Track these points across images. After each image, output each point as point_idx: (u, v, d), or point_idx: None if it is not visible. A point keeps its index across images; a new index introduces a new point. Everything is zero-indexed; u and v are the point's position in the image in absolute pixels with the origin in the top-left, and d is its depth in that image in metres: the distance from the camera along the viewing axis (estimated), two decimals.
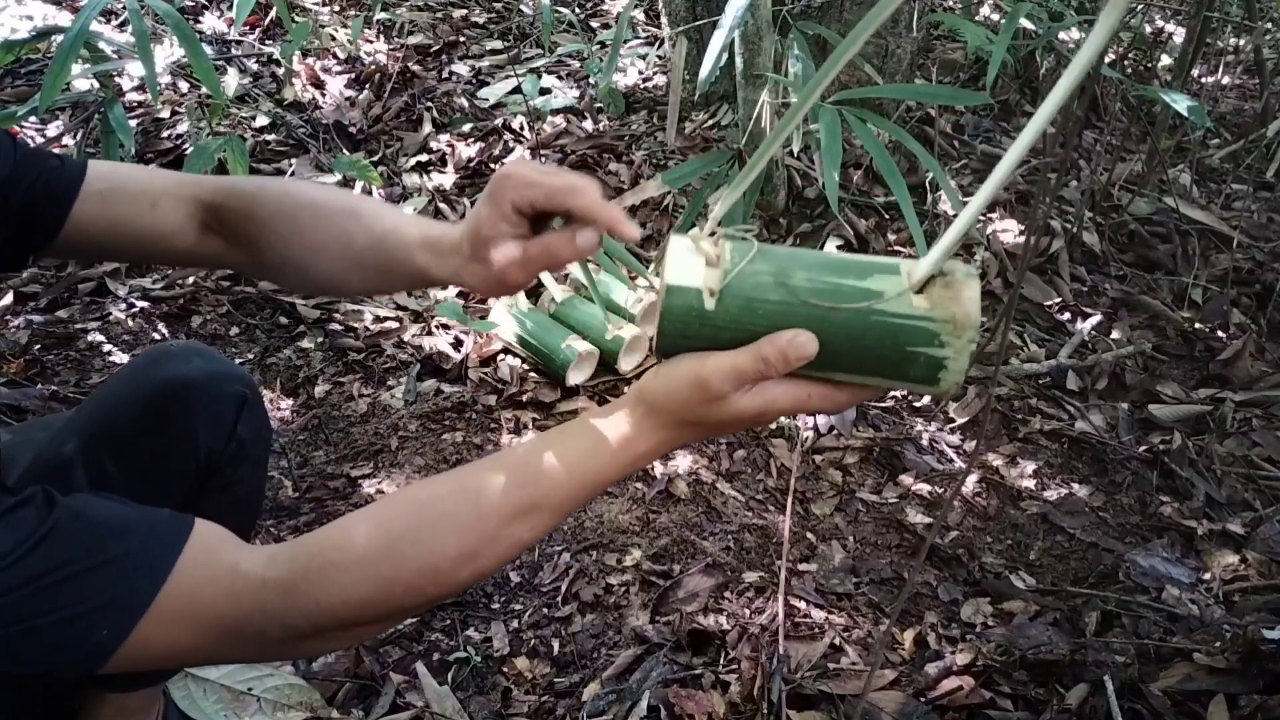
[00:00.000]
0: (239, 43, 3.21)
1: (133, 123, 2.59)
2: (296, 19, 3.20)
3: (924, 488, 1.85)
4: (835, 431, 1.96)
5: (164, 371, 0.99)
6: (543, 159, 2.76)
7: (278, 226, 0.81)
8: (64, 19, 3.06)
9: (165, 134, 2.71)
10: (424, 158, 2.80)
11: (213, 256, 0.86)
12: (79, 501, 0.64)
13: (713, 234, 0.65)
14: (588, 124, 2.98)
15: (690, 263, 0.64)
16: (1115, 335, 2.32)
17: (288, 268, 0.84)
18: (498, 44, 3.48)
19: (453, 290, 2.31)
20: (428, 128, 2.90)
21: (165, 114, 2.77)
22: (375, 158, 2.78)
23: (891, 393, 2.07)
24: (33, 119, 2.58)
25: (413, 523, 0.66)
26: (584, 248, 0.70)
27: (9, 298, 2.14)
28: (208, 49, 2.71)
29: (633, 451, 0.67)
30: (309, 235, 0.80)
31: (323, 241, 0.80)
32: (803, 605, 1.55)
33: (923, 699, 1.38)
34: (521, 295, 2.11)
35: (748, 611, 1.54)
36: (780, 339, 0.62)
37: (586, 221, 0.69)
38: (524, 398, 1.98)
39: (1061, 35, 3.20)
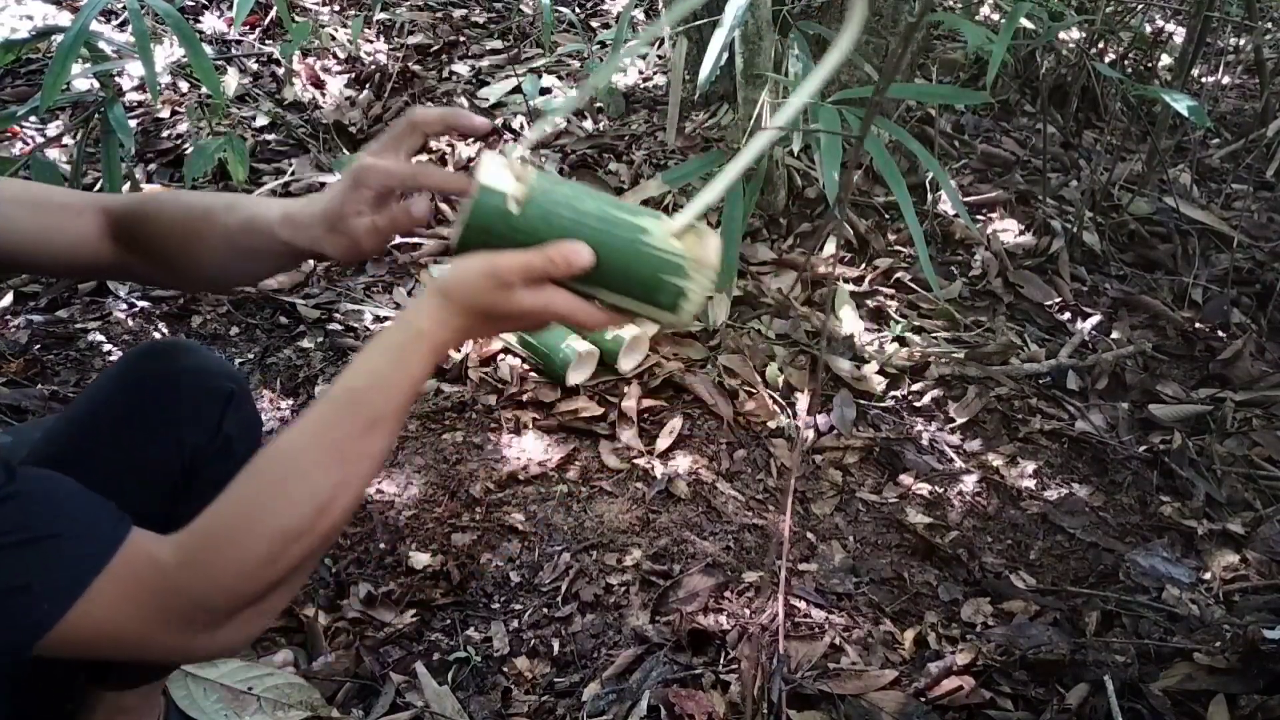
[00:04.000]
0: (239, 43, 3.21)
1: (133, 123, 2.59)
2: (296, 19, 3.20)
3: (924, 488, 1.85)
4: (835, 431, 1.96)
5: (149, 368, 0.99)
6: (542, 159, 2.76)
7: (174, 230, 0.89)
8: (64, 19, 3.06)
9: (165, 134, 2.71)
10: (424, 157, 2.80)
11: (122, 266, 0.93)
12: (36, 475, 0.68)
13: (522, 160, 0.77)
14: (588, 124, 2.98)
15: (502, 174, 0.76)
16: (1115, 335, 2.32)
17: (182, 268, 0.91)
18: (498, 44, 3.49)
19: None
20: None
21: (165, 114, 2.77)
22: None
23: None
24: (33, 119, 2.58)
25: (280, 472, 0.72)
26: (418, 216, 0.86)
27: (9, 298, 2.14)
28: (208, 49, 2.71)
29: (434, 342, 0.75)
30: (198, 235, 0.88)
31: (209, 238, 0.88)
32: (803, 605, 1.55)
33: (923, 699, 1.38)
34: None
35: (748, 611, 1.54)
36: (565, 244, 0.74)
37: (439, 190, 0.86)
38: (524, 398, 1.98)
39: (1061, 35, 3.20)
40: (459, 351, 2.11)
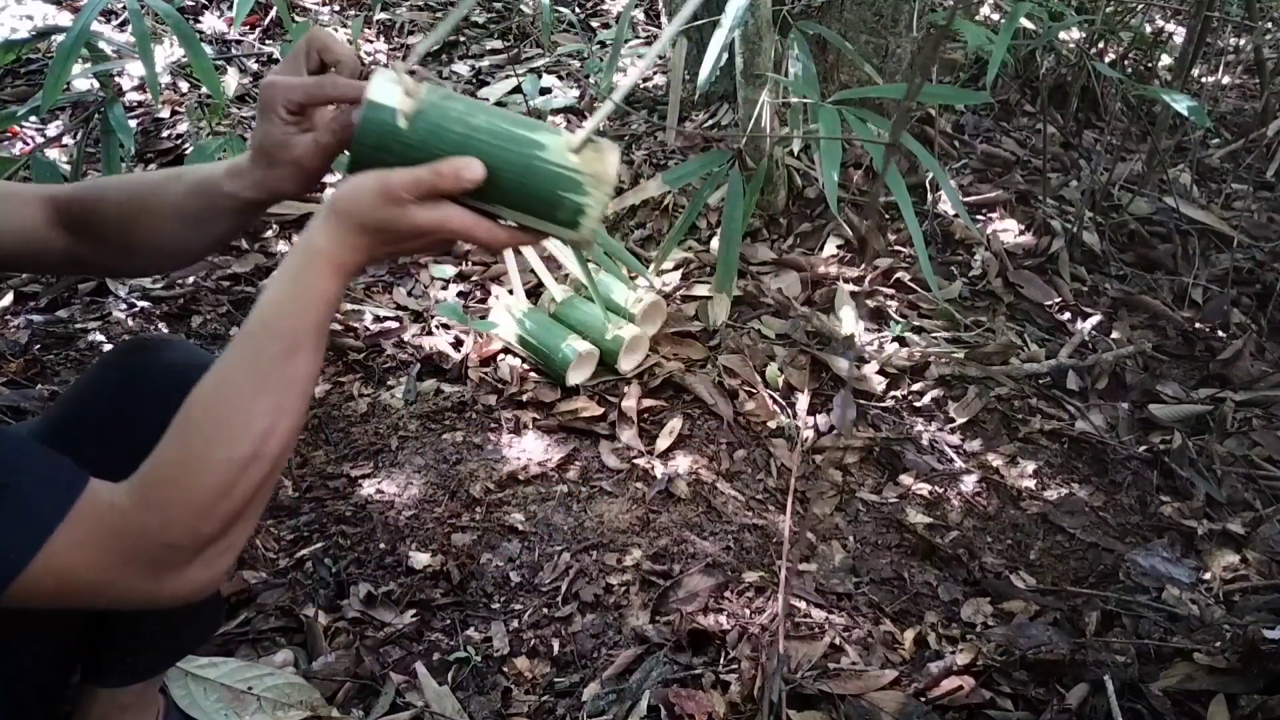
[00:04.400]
0: (239, 43, 3.21)
1: (133, 123, 2.59)
2: (296, 19, 3.20)
3: (924, 488, 1.85)
4: (835, 431, 1.96)
5: (136, 362, 1.00)
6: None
7: (122, 209, 0.90)
8: (64, 19, 3.06)
9: (165, 134, 2.71)
10: None
11: (75, 255, 0.93)
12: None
13: (414, 74, 0.77)
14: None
15: (391, 89, 0.76)
16: (1115, 335, 2.32)
17: (136, 248, 0.92)
18: (498, 44, 3.49)
19: (452, 290, 2.31)
20: None
21: (165, 114, 2.77)
22: None
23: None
24: (33, 119, 2.58)
25: (213, 406, 0.73)
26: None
27: (9, 298, 2.14)
28: (208, 49, 2.71)
29: (334, 261, 0.75)
30: (147, 210, 0.89)
31: (158, 211, 0.89)
32: (803, 605, 1.55)
33: (923, 699, 1.38)
34: (521, 295, 2.11)
35: (748, 611, 1.54)
36: (456, 159, 0.74)
37: (350, 102, 0.83)
38: (524, 397, 1.98)
39: (1061, 35, 3.20)
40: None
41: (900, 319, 2.28)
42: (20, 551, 0.68)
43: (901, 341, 2.21)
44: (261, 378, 0.73)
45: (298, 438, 0.79)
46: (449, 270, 2.35)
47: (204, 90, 2.74)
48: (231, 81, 2.88)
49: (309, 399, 0.77)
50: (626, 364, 2.05)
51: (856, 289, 2.35)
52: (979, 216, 2.69)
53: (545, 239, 0.82)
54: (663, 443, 1.88)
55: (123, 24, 3.09)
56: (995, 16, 3.44)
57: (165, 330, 2.12)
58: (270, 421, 0.73)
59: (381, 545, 1.62)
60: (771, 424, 1.96)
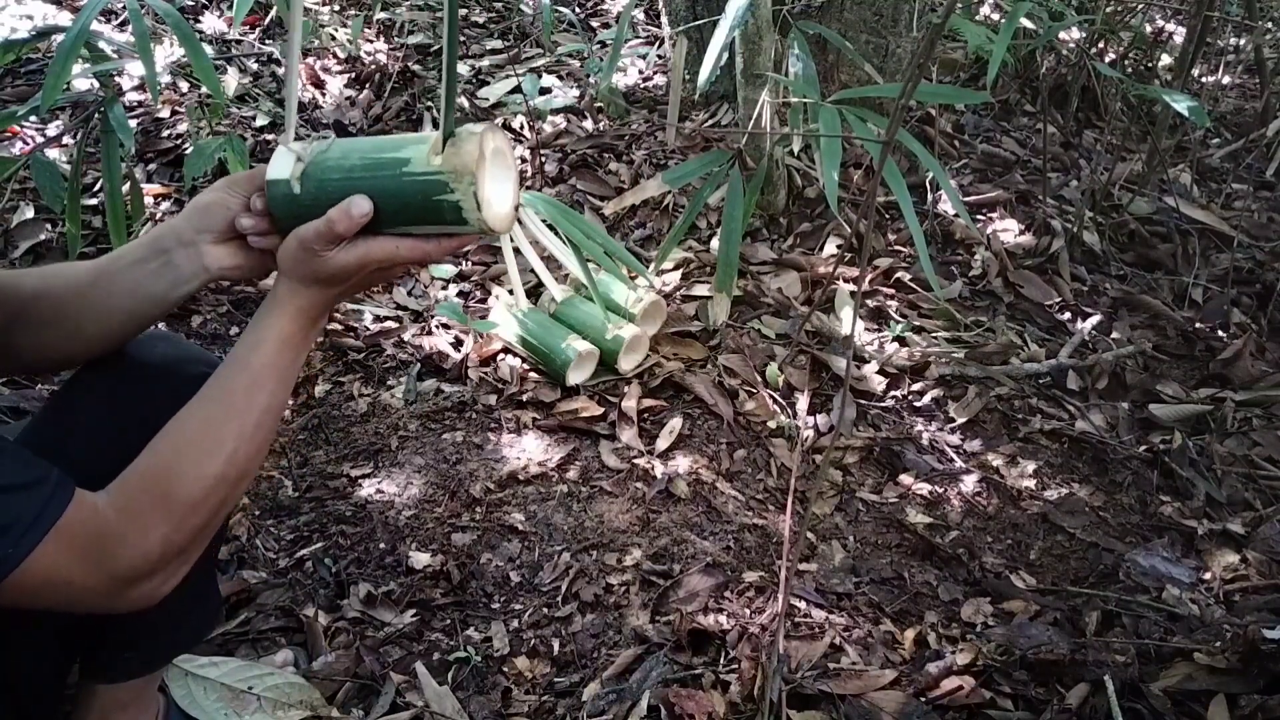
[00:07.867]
0: (239, 42, 3.21)
1: (133, 123, 2.59)
2: None
3: (924, 488, 1.85)
4: (835, 431, 1.96)
5: (127, 358, 1.00)
6: (543, 159, 2.76)
7: (44, 284, 0.92)
8: (64, 19, 3.06)
9: (165, 134, 2.71)
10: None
11: (11, 343, 0.92)
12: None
13: (300, 138, 0.84)
14: (588, 124, 2.98)
15: (285, 162, 0.84)
16: (1115, 335, 2.32)
17: (41, 347, 0.93)
18: (498, 44, 3.49)
19: (453, 290, 2.31)
20: (428, 127, 2.90)
21: (165, 114, 2.77)
22: None
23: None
24: (33, 119, 2.58)
25: (190, 425, 0.82)
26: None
27: None
28: (208, 49, 2.70)
29: (293, 307, 0.85)
30: (47, 306, 0.91)
31: (60, 304, 0.91)
32: (803, 605, 1.55)
33: (923, 699, 1.38)
34: (521, 295, 2.11)
35: (748, 611, 1.54)
36: (342, 204, 0.81)
37: None
38: (524, 397, 1.98)
39: (1061, 35, 3.20)
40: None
41: (900, 319, 2.28)
42: (10, 556, 0.71)
43: (901, 341, 2.21)
44: (229, 404, 0.83)
45: (257, 470, 0.86)
46: (449, 270, 2.35)
47: (204, 90, 2.73)
48: (231, 81, 2.88)
49: (272, 431, 0.85)
50: (626, 364, 2.05)
51: (856, 289, 2.35)
52: (979, 216, 2.69)
53: (470, 242, 0.86)
54: (663, 443, 1.88)
55: (123, 24, 3.09)
56: (995, 16, 3.44)
57: (165, 330, 2.12)
58: (235, 445, 0.81)
59: (381, 545, 1.62)
60: (771, 424, 1.96)
